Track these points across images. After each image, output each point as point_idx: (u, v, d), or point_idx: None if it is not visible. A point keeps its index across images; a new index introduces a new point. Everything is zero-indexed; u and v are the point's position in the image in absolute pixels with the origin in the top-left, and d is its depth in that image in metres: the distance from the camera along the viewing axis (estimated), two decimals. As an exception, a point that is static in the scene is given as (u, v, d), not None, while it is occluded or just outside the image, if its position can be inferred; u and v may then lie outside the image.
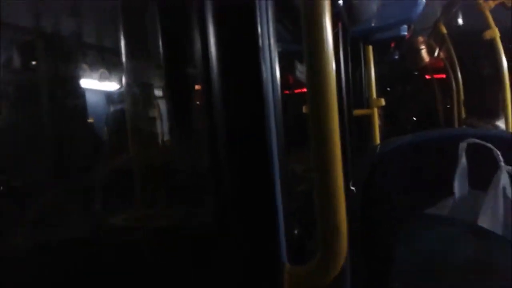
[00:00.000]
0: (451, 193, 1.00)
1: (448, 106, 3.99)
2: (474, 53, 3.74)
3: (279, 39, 0.82)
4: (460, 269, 0.85)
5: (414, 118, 4.18)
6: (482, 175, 0.97)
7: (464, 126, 3.41)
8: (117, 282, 0.94)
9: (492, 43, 2.76)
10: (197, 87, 0.75)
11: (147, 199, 0.96)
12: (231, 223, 0.73)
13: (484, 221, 0.89)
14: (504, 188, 0.91)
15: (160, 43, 0.79)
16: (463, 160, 1.00)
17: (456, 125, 3.61)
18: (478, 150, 0.99)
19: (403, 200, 1.12)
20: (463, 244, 0.87)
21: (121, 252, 0.99)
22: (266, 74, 0.71)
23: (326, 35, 0.67)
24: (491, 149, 0.94)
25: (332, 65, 0.69)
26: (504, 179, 0.91)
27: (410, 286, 0.91)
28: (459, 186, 0.99)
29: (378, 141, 2.49)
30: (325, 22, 0.67)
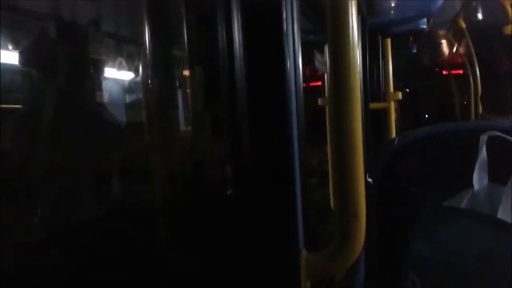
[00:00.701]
0: (470, 185, 0.99)
1: (465, 102, 3.94)
2: (493, 48, 3.68)
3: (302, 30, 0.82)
4: (478, 261, 0.85)
5: (430, 113, 4.14)
6: (502, 169, 0.96)
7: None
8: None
9: (512, 38, 2.72)
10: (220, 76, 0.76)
11: (166, 186, 0.97)
12: (249, 210, 0.73)
13: (504, 214, 0.89)
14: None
15: (184, 31, 0.80)
16: (483, 153, 0.99)
17: (473, 119, 3.57)
18: (497, 143, 0.98)
19: (421, 192, 1.11)
20: (482, 236, 0.87)
21: (138, 237, 1.01)
22: (289, 64, 0.71)
23: (352, 28, 0.67)
24: (511, 143, 0.93)
25: (356, 57, 0.69)
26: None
27: (426, 277, 0.91)
28: (478, 178, 0.98)
29: (394, 134, 2.48)
30: (351, 14, 0.67)
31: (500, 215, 0.89)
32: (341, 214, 0.71)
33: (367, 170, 1.32)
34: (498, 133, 0.96)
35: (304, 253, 0.73)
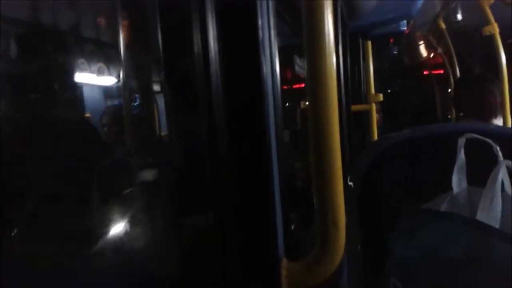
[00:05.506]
0: (449, 188, 1.00)
1: (446, 102, 3.99)
2: (472, 49, 3.74)
3: (279, 33, 0.82)
4: (458, 262, 0.85)
5: (412, 114, 4.18)
6: (481, 171, 0.97)
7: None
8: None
9: (491, 38, 2.75)
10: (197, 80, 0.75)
11: (145, 192, 0.96)
12: (228, 217, 0.73)
13: (482, 216, 0.89)
14: (502, 183, 0.91)
15: (159, 35, 0.79)
16: (462, 155, 0.99)
17: (454, 120, 3.61)
18: (477, 145, 0.99)
19: (401, 195, 1.12)
20: (461, 238, 0.87)
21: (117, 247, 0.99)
22: (266, 68, 0.70)
23: (328, 30, 0.67)
24: (490, 145, 0.93)
25: (332, 60, 0.68)
26: (502, 173, 0.91)
27: (407, 280, 0.91)
28: (457, 181, 0.99)
29: (376, 136, 2.49)
30: (327, 17, 0.66)
31: (479, 216, 0.89)
32: (321, 222, 0.71)
33: (349, 173, 1.33)
34: (476, 136, 0.97)
35: (284, 262, 0.72)
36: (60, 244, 0.91)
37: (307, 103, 0.70)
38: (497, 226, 0.88)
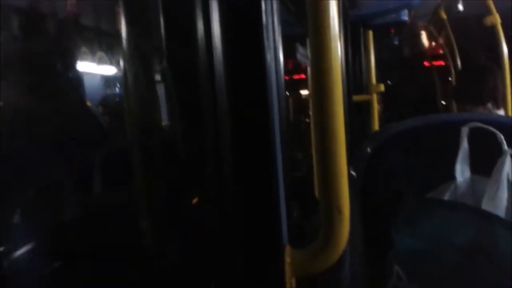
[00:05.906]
0: (452, 178, 0.99)
1: (447, 93, 3.97)
2: (474, 39, 3.72)
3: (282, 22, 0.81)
4: (462, 251, 0.85)
5: (413, 104, 4.17)
6: (483, 160, 0.96)
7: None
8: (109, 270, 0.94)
9: (493, 29, 2.74)
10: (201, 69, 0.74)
11: (147, 182, 0.95)
12: (232, 205, 0.72)
13: (488, 205, 0.89)
14: (508, 173, 0.91)
15: (161, 23, 0.78)
16: (465, 145, 0.99)
17: (455, 111, 3.60)
18: (479, 135, 0.98)
19: (404, 184, 1.12)
20: (466, 227, 0.87)
21: (118, 239, 0.99)
22: (270, 56, 0.70)
23: (332, 20, 0.66)
24: (493, 134, 0.93)
25: (337, 49, 0.68)
26: (508, 163, 0.90)
27: (410, 268, 0.91)
28: (460, 170, 0.99)
29: (377, 126, 2.48)
30: (331, 6, 0.66)
31: (484, 206, 0.89)
32: (325, 209, 0.71)
33: (351, 163, 1.32)
34: (480, 125, 0.97)
35: (288, 250, 0.72)
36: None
37: (302, 92, 0.70)
38: (502, 215, 0.88)
